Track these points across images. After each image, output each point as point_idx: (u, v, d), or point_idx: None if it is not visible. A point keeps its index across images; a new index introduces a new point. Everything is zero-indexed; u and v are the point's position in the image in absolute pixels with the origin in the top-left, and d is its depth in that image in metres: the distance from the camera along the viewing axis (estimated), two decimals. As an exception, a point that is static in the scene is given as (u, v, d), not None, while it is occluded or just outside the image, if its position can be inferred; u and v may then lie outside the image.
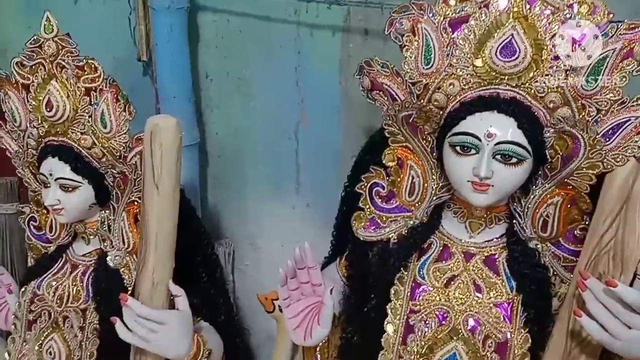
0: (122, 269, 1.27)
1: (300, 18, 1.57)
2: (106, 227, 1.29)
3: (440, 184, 1.12)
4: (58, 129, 1.23)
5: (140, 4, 1.64)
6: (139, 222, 1.19)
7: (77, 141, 1.22)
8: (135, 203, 1.25)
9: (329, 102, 1.60)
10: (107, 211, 1.29)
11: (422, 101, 1.04)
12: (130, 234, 1.27)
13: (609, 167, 0.98)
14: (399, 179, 1.15)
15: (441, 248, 1.12)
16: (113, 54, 1.74)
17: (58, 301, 1.31)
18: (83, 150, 1.23)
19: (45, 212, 1.38)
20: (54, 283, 1.33)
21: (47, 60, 1.23)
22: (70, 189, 1.23)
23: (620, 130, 0.96)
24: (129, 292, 1.18)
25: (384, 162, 1.15)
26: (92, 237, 1.32)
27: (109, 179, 1.25)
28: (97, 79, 1.21)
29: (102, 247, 1.30)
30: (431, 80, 1.02)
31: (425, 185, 1.14)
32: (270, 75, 1.67)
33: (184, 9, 1.61)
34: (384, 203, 1.17)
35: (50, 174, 1.23)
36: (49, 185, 1.24)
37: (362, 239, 1.17)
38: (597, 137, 0.97)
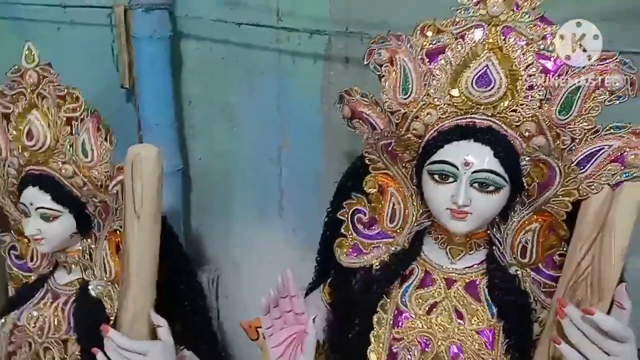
0: (104, 298, 1.25)
1: (282, 46, 1.58)
2: (88, 256, 1.28)
3: (421, 211, 1.13)
4: (39, 158, 1.22)
5: (123, 33, 1.65)
6: (120, 251, 1.19)
7: (58, 170, 1.21)
8: (117, 232, 1.24)
9: (310, 128, 1.61)
10: (89, 240, 1.28)
11: (400, 130, 1.06)
12: (112, 263, 1.26)
13: (584, 194, 0.99)
14: (380, 206, 1.16)
15: (423, 274, 1.12)
16: (96, 80, 1.74)
17: (39, 332, 1.29)
18: (64, 180, 1.22)
19: (26, 241, 1.36)
20: (35, 313, 1.31)
21: (28, 90, 1.22)
22: (51, 218, 1.22)
23: (594, 158, 0.97)
24: (111, 322, 1.17)
25: (365, 188, 1.16)
26: (73, 266, 1.31)
27: (90, 208, 1.24)
28: (78, 109, 1.20)
29: (83, 276, 1.28)
30: (409, 110, 1.04)
31: (406, 211, 1.14)
32: (252, 101, 1.68)
33: (167, 37, 1.62)
34: (365, 229, 1.17)
35: (31, 204, 1.22)
36: (29, 214, 1.23)
37: (344, 265, 1.17)
38: (572, 165, 0.98)
